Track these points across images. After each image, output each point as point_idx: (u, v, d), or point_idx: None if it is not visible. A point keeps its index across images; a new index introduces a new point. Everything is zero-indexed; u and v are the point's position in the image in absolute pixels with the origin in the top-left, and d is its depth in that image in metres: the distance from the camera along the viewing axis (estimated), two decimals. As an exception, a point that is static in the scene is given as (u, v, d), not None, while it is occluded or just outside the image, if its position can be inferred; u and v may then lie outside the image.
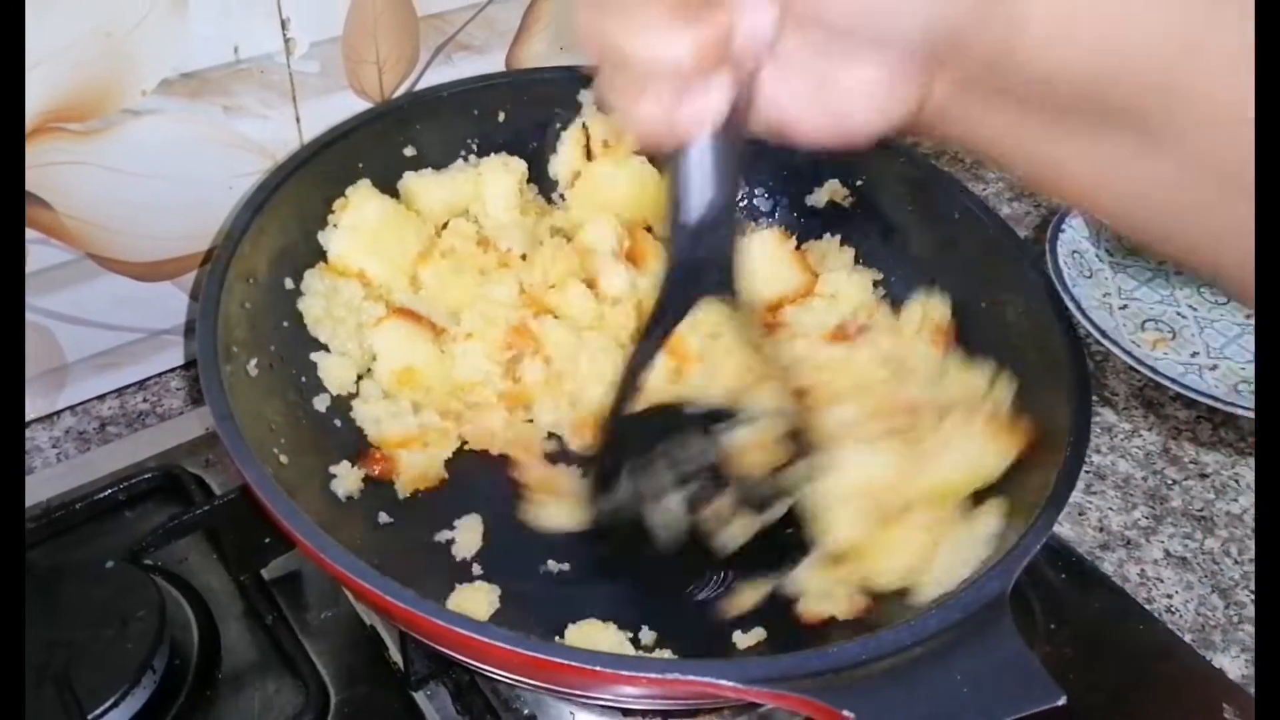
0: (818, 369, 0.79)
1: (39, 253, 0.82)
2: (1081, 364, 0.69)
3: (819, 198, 0.90)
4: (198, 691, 0.72)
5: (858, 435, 0.73)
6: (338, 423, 0.78)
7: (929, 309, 0.80)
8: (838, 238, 0.87)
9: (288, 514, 0.55)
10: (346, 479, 0.73)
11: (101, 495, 0.82)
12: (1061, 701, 0.47)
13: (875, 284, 0.85)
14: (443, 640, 0.53)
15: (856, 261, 0.87)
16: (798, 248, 0.89)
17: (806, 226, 0.90)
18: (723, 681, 0.48)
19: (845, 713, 0.46)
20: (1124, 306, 1.07)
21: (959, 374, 0.75)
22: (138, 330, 0.91)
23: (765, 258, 0.86)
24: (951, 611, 0.52)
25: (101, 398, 0.93)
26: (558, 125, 0.88)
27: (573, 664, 0.49)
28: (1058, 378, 0.70)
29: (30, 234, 0.80)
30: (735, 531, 0.69)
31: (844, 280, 0.84)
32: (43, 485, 0.83)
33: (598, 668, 0.49)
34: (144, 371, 0.94)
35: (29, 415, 0.90)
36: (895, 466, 0.70)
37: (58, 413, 0.91)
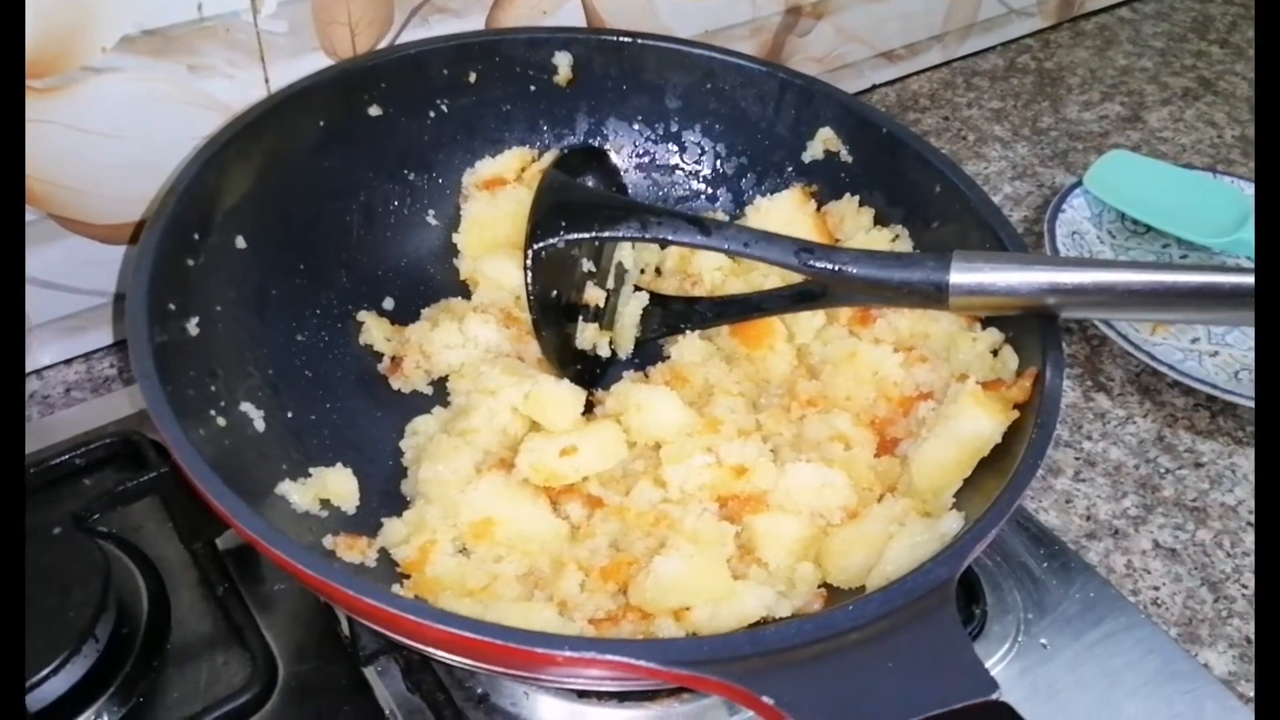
0: (827, 365, 0.77)
1: (-1, 212, 0.80)
2: (1056, 342, 0.66)
3: (815, 149, 0.87)
4: (144, 661, 0.71)
5: (830, 449, 0.71)
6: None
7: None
8: (855, 199, 0.84)
9: (201, 474, 0.52)
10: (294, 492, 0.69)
11: (56, 460, 0.80)
12: (995, 696, 0.44)
13: (894, 240, 0.82)
14: (355, 610, 0.51)
15: (875, 223, 0.84)
16: (818, 210, 0.86)
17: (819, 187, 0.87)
18: (640, 662, 0.46)
19: (764, 699, 0.44)
20: (1124, 290, 1.03)
21: (968, 344, 0.73)
22: (104, 294, 0.90)
23: (785, 221, 0.82)
24: (894, 596, 0.50)
25: (68, 362, 0.92)
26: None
27: (486, 640, 0.47)
28: (1031, 355, 0.67)
29: (-12, 192, 0.79)
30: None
31: (865, 242, 0.81)
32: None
33: (513, 644, 0.47)
34: (111, 337, 0.93)
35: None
36: (843, 488, 0.68)
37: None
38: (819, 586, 0.65)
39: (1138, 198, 1.07)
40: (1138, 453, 0.91)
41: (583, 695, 0.69)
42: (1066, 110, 1.31)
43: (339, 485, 0.69)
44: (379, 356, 0.82)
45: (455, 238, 0.86)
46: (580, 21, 1.00)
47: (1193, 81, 1.37)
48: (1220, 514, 0.86)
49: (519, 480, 0.69)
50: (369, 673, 0.70)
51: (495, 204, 0.85)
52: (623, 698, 0.70)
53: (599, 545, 0.67)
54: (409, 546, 0.66)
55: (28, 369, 0.90)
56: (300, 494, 0.67)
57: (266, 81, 0.85)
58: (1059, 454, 0.90)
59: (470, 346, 0.79)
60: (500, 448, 0.73)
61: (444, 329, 0.79)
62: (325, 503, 0.69)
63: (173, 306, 0.64)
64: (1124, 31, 1.46)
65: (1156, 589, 0.80)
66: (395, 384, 0.80)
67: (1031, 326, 0.68)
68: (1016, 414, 0.65)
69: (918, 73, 1.34)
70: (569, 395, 0.72)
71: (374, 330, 0.81)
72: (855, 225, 0.83)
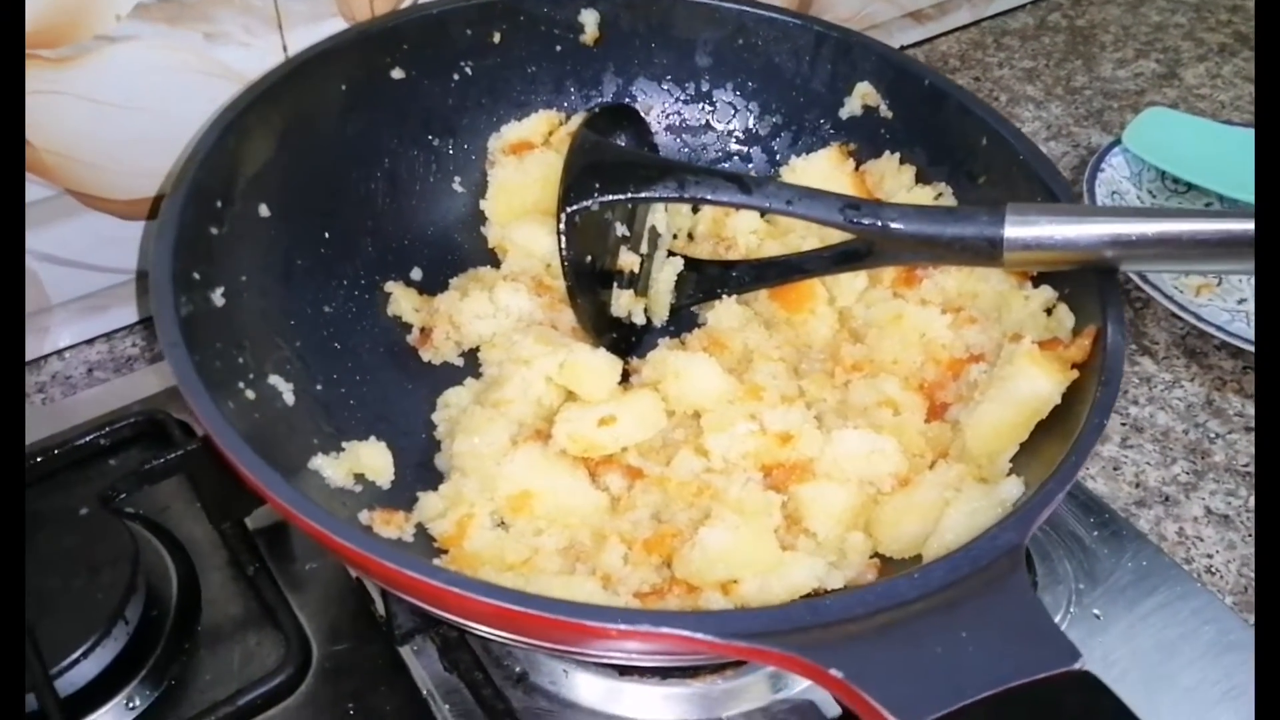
0: (872, 329, 0.74)
1: (15, 187, 0.78)
2: (1115, 297, 0.63)
3: (854, 105, 0.84)
4: (176, 643, 0.69)
5: (878, 415, 0.69)
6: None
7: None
8: (896, 155, 0.81)
9: (233, 446, 0.50)
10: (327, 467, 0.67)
11: (82, 441, 0.79)
12: (1079, 665, 0.42)
13: (938, 197, 0.79)
14: (397, 584, 0.49)
15: (917, 181, 0.81)
16: (856, 169, 0.83)
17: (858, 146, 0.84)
18: (697, 635, 0.44)
19: (832, 671, 0.41)
20: (1167, 250, 1.01)
21: (1020, 303, 0.70)
22: (124, 271, 0.88)
23: (822, 181, 0.79)
24: (960, 564, 0.47)
25: (90, 342, 0.90)
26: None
27: (536, 613, 0.45)
28: (1088, 312, 0.64)
29: (3, 167, 0.77)
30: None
31: (908, 200, 0.78)
32: (26, 431, 0.80)
33: (565, 617, 0.45)
34: (133, 315, 0.91)
35: (12, 359, 0.87)
36: (893, 454, 0.66)
37: (44, 357, 0.88)
38: (871, 557, 0.63)
39: (1178, 155, 1.04)
40: (1186, 417, 0.88)
41: (623, 673, 0.68)
42: (1100, 69, 1.27)
43: (373, 459, 0.67)
44: (408, 328, 0.80)
45: (483, 205, 0.84)
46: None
47: (1229, 37, 1.33)
48: (1274, 478, 0.83)
49: (556, 451, 0.67)
50: (405, 652, 0.69)
51: (523, 169, 0.82)
52: (664, 675, 0.68)
53: (640, 517, 0.65)
54: (446, 521, 0.64)
55: (48, 350, 0.88)
56: (334, 468, 0.65)
57: (285, 49, 0.83)
58: (1104, 420, 0.88)
59: (501, 316, 0.76)
60: (535, 419, 0.71)
61: (474, 298, 0.77)
62: (359, 477, 0.67)
63: (197, 276, 0.62)
64: (1157, -13, 1.43)
65: (1210, 556, 0.78)
66: (425, 355, 0.78)
67: (1088, 282, 0.65)
68: (1075, 374, 0.62)
69: (947, 33, 1.31)
70: (605, 364, 0.70)
71: (402, 301, 0.79)
72: (896, 183, 0.80)
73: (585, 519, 0.65)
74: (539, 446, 0.67)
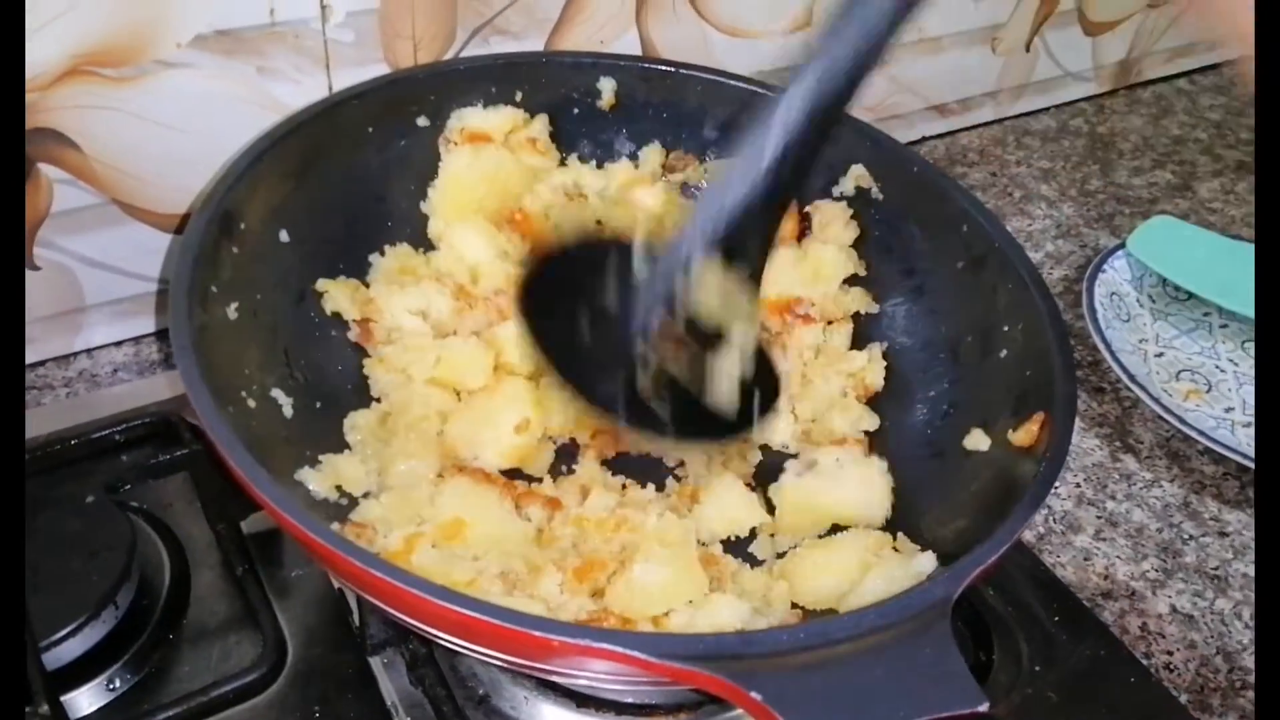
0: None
1: (65, 193, 0.84)
2: (1070, 379, 0.66)
3: (847, 185, 0.87)
4: (161, 633, 0.72)
5: None
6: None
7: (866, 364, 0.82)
8: (842, 203, 0.86)
9: (226, 442, 0.54)
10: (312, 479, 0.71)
11: (98, 435, 0.83)
12: (983, 708, 0.44)
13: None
14: (359, 582, 0.52)
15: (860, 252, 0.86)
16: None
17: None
18: (633, 653, 0.47)
19: (752, 694, 0.44)
20: (1160, 354, 1.03)
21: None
22: (160, 281, 0.93)
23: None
24: (890, 612, 0.50)
25: (119, 344, 0.94)
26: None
27: (486, 619, 0.48)
28: (1047, 395, 0.67)
29: (57, 174, 0.82)
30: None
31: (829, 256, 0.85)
32: (45, 421, 0.84)
33: (513, 625, 0.48)
34: (162, 323, 0.95)
35: (45, 355, 0.92)
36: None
37: (74, 354, 0.93)
38: (793, 606, 0.66)
39: (1181, 264, 1.06)
40: (1162, 516, 0.90)
41: (581, 705, 0.69)
42: (1116, 175, 1.31)
43: (350, 472, 0.71)
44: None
45: (430, 191, 0.85)
46: (636, 52, 1.02)
47: (1247, 155, 1.37)
48: (1242, 584, 0.84)
49: (484, 479, 0.71)
50: (375, 663, 0.71)
51: (475, 164, 0.84)
52: (620, 710, 0.70)
53: (565, 547, 0.68)
54: (392, 538, 0.67)
55: (79, 347, 0.93)
56: (318, 481, 0.69)
57: (330, 89, 0.88)
58: (1081, 511, 0.90)
59: (420, 318, 0.80)
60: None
61: (405, 293, 0.80)
62: (341, 490, 0.70)
63: (214, 290, 0.66)
64: (1180, 102, 1.46)
65: (1170, 654, 0.79)
66: (370, 349, 0.80)
67: (1047, 373, 0.68)
68: None
69: (969, 128, 1.35)
70: (476, 351, 0.76)
71: (339, 297, 0.80)
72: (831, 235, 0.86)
73: (515, 548, 0.68)
74: (466, 478, 0.71)
